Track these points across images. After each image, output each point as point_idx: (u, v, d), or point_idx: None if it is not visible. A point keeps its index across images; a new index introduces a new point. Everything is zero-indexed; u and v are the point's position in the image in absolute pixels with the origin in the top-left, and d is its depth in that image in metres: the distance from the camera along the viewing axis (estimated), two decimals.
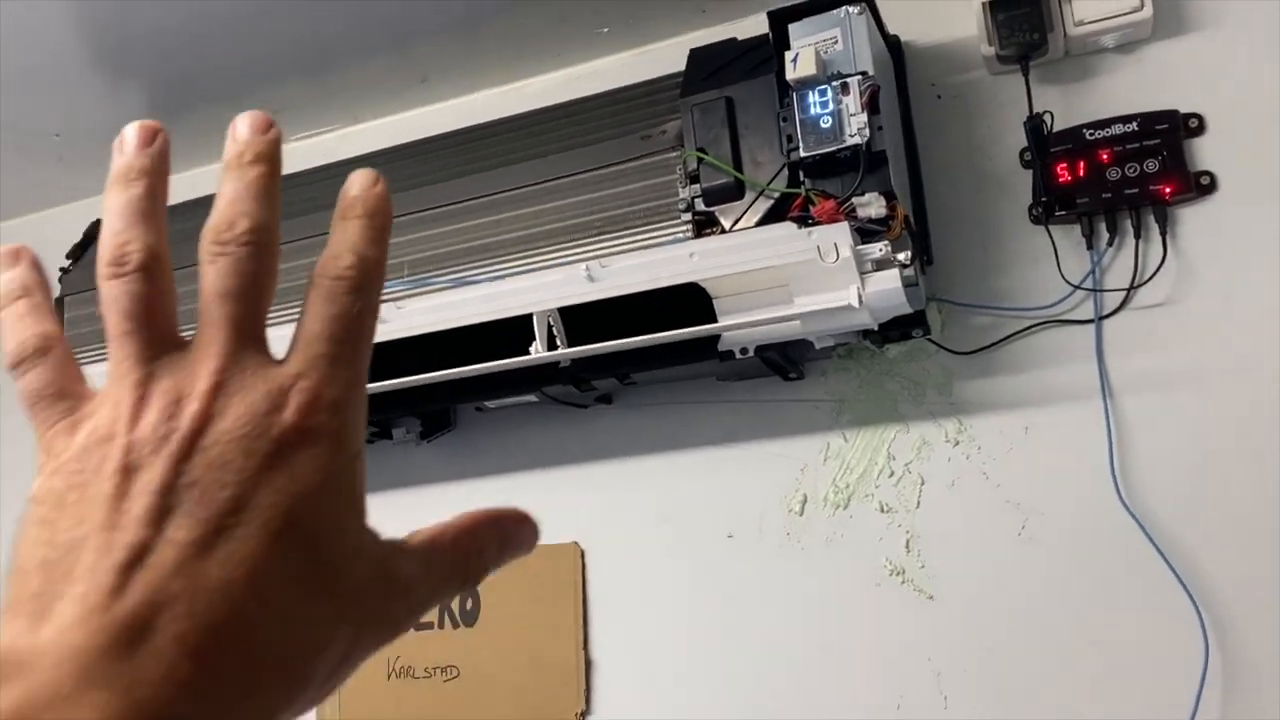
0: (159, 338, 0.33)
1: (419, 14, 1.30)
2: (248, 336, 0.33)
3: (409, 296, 1.18)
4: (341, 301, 0.34)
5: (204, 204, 0.34)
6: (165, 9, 1.26)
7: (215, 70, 1.40)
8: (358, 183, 0.36)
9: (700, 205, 1.10)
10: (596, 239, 1.14)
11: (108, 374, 0.32)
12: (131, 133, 0.35)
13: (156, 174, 0.35)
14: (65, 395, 0.33)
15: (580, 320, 1.13)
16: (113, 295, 0.33)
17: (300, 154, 1.52)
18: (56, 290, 1.46)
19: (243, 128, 0.35)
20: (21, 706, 0.26)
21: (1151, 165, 1.10)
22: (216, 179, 0.35)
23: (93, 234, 1.50)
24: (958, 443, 1.17)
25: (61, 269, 1.48)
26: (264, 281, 0.33)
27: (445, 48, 1.38)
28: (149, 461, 0.30)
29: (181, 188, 1.51)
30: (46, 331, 0.34)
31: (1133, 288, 1.11)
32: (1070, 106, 1.16)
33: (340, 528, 0.32)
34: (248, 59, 1.38)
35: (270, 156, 0.35)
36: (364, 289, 0.34)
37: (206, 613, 0.28)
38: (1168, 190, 1.09)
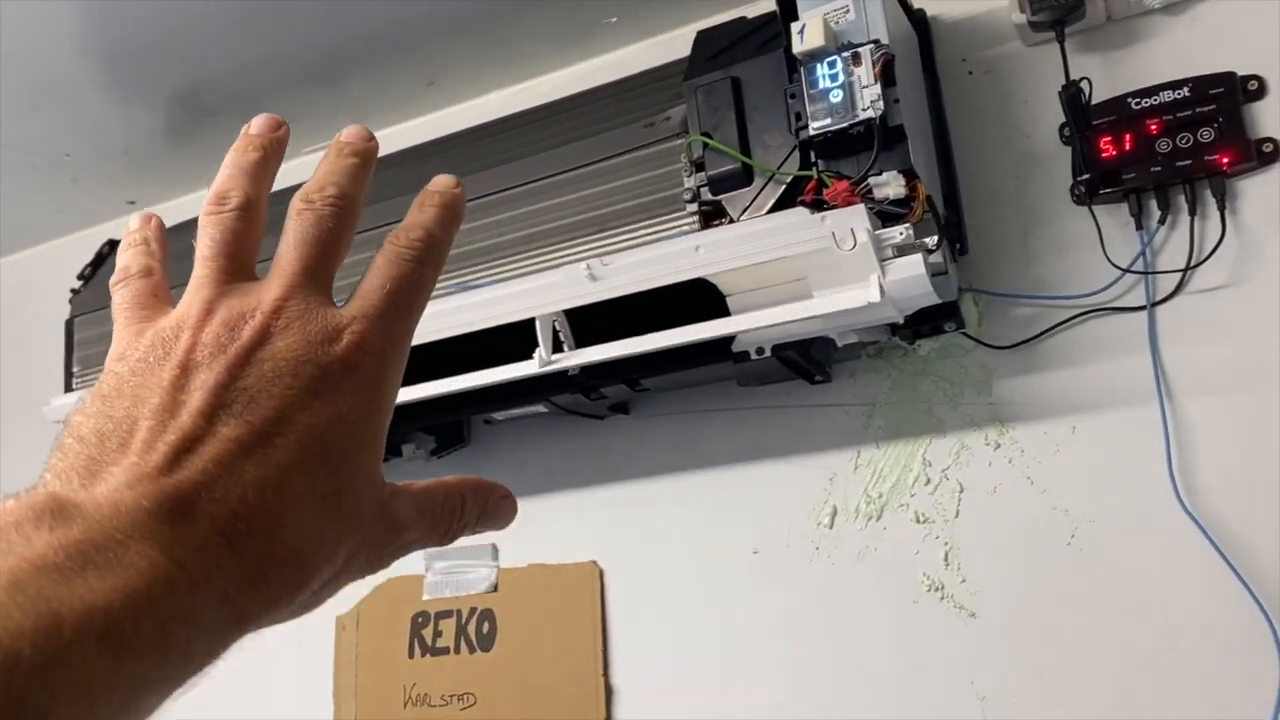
0: (237, 266, 0.37)
1: (423, 16, 1.25)
2: (315, 279, 0.36)
3: None
4: (404, 267, 0.37)
5: None
6: (172, 22, 1.23)
7: (224, 82, 1.37)
8: (440, 181, 0.40)
9: (707, 194, 1.02)
10: (598, 236, 1.07)
11: (186, 290, 0.36)
12: (260, 118, 0.40)
13: (271, 151, 0.40)
14: (146, 306, 0.37)
15: (587, 325, 1.06)
16: (206, 226, 0.37)
17: (309, 167, 1.47)
18: (68, 312, 1.43)
19: (347, 133, 0.40)
20: (79, 543, 0.28)
21: (1206, 134, 1.00)
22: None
23: (104, 254, 1.47)
24: (999, 446, 1.07)
25: (73, 290, 1.45)
26: (339, 238, 0.38)
27: (451, 49, 1.33)
28: (208, 363, 0.33)
29: (192, 208, 1.50)
30: (149, 265, 0.39)
31: (1188, 269, 1.01)
32: (1114, 75, 1.06)
33: (360, 461, 0.35)
34: (255, 68, 1.34)
35: (365, 154, 0.40)
36: (426, 261, 0.38)
37: (239, 503, 0.31)
38: (1225, 160, 0.99)
